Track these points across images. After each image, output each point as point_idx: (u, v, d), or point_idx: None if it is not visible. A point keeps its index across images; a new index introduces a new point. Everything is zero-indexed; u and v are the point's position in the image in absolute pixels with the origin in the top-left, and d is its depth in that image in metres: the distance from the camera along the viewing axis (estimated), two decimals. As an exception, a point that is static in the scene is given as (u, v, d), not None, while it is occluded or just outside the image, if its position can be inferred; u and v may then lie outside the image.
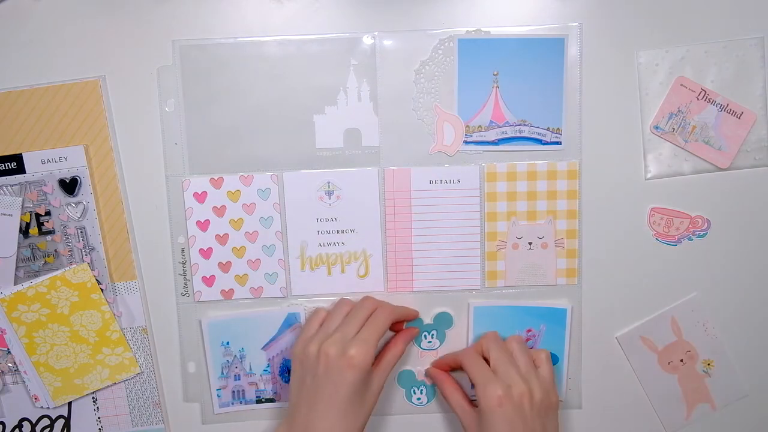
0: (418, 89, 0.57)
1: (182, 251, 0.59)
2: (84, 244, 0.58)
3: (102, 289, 0.59)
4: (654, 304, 0.61)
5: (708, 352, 0.61)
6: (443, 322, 0.60)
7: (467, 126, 0.58)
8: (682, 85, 0.56)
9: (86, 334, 0.59)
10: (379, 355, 0.56)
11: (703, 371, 0.61)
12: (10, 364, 0.60)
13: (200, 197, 0.58)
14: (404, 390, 0.61)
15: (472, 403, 0.56)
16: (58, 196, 0.58)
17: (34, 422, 0.61)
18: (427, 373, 0.61)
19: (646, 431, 0.62)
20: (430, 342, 0.61)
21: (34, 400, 0.60)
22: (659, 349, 0.61)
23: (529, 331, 0.60)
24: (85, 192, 0.58)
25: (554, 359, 0.61)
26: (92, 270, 0.58)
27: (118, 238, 0.59)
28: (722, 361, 0.61)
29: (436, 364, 0.61)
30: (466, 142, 0.58)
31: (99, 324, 0.59)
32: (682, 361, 0.61)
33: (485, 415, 0.52)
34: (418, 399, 0.62)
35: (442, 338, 0.61)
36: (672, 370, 0.61)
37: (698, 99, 0.55)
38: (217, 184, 0.58)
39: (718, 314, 0.61)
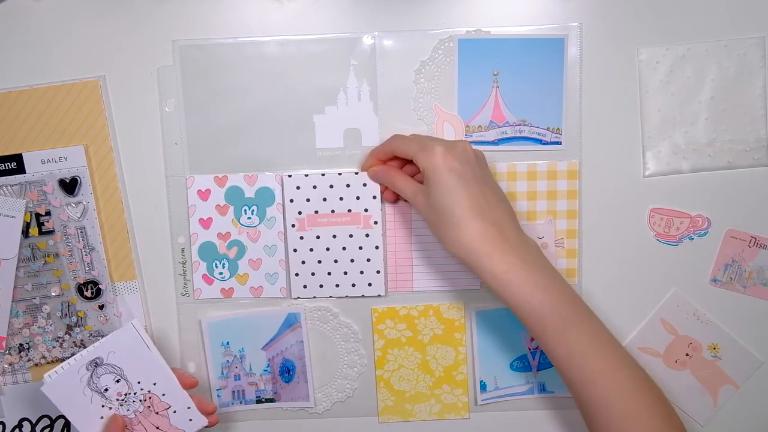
0: (418, 89, 0.57)
1: (182, 251, 0.59)
2: (84, 244, 0.58)
3: (102, 290, 0.59)
4: (648, 307, 0.60)
5: (709, 338, 0.60)
6: (265, 197, 0.58)
7: (467, 126, 0.58)
8: (732, 237, 0.58)
9: (435, 366, 0.60)
10: None
11: (713, 356, 0.60)
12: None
13: (204, 195, 0.58)
14: (206, 263, 0.59)
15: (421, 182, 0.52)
16: (58, 196, 0.58)
17: (34, 422, 0.61)
18: (371, 175, 0.57)
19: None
20: (249, 218, 0.59)
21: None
22: (662, 353, 0.61)
23: None
24: (85, 192, 0.58)
25: None
26: (92, 270, 0.58)
27: (118, 238, 0.59)
28: (726, 341, 0.60)
29: (372, 163, 0.56)
30: (466, 142, 0.58)
31: (450, 362, 0.60)
32: (687, 355, 0.61)
33: (431, 175, 0.47)
34: (221, 273, 0.59)
35: (262, 215, 0.59)
36: (681, 366, 0.61)
37: (749, 247, 0.58)
38: (221, 182, 0.58)
39: (707, 300, 0.60)
